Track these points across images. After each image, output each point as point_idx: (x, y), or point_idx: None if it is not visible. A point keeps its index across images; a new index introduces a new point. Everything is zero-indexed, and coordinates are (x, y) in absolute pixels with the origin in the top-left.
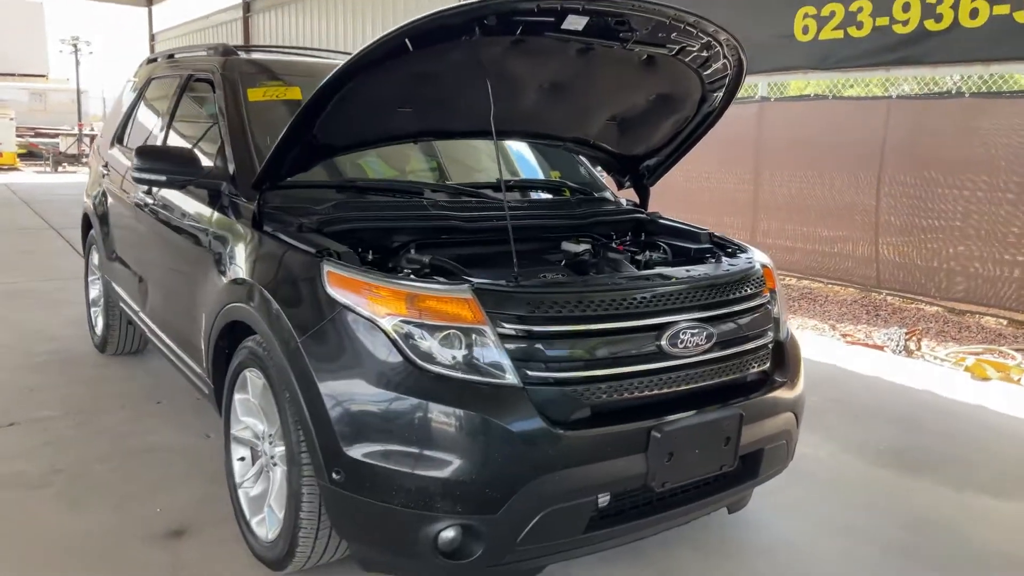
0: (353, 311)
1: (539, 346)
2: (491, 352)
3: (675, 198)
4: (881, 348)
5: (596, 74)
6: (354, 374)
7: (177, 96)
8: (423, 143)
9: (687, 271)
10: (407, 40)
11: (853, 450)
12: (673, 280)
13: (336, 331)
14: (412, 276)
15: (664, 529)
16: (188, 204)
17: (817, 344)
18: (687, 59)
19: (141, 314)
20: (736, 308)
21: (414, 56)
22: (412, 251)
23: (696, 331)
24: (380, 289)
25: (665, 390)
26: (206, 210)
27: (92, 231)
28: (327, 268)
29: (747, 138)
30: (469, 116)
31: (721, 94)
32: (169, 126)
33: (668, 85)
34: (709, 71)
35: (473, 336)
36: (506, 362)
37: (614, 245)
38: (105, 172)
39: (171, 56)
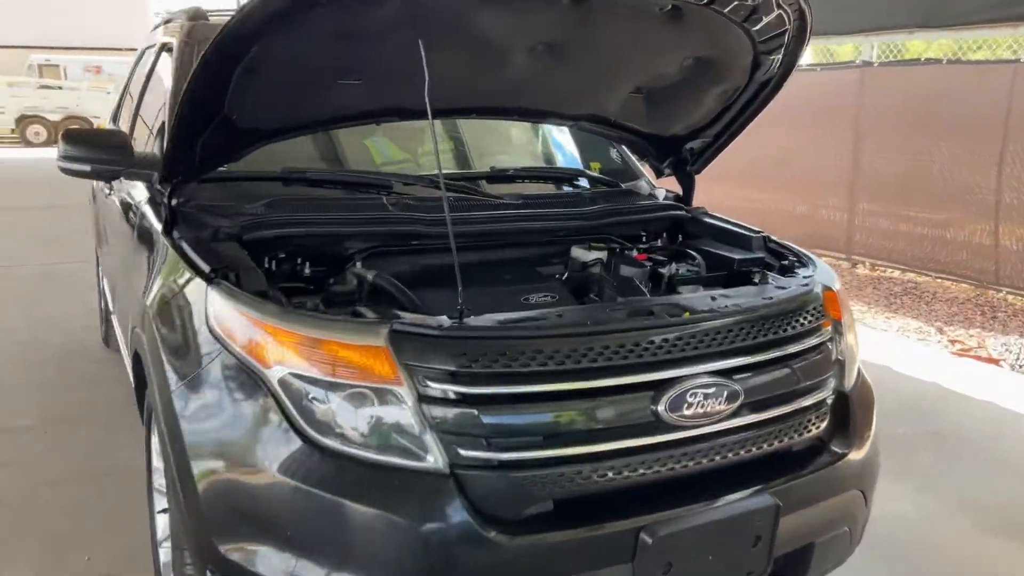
0: (235, 355)
1: (477, 414)
2: (407, 422)
3: (761, 175)
4: (996, 362)
5: (605, 32)
6: (229, 443)
7: (149, 70)
8: (430, 123)
9: (712, 298)
10: None
11: (951, 506)
12: (686, 315)
13: (213, 382)
14: (320, 310)
15: None
16: (132, 196)
17: (918, 354)
18: (726, 9)
19: (112, 315)
20: (778, 353)
21: (336, 8)
22: (358, 264)
23: (713, 390)
24: (268, 328)
25: (663, 472)
26: (140, 206)
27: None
28: (213, 294)
29: (845, 109)
30: (443, 89)
31: (780, 57)
32: (138, 106)
33: (705, 45)
34: (760, 26)
35: (387, 398)
36: (428, 437)
37: (633, 254)
38: None
39: (168, 22)
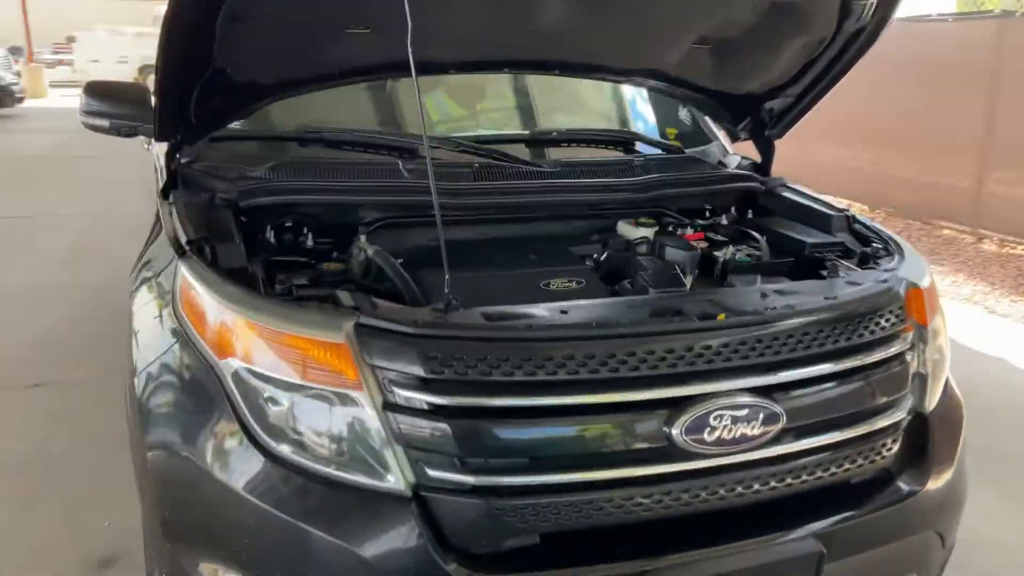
0: (193, 342)
1: (449, 429)
2: (367, 434)
3: (871, 132)
4: None
5: None
6: (182, 444)
7: None
8: (414, 78)
9: (762, 295)
10: None
11: None
12: (721, 317)
13: (171, 373)
14: (294, 292)
15: None
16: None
17: None
18: None
19: None
20: (837, 367)
21: None
22: (361, 238)
23: (745, 412)
24: (226, 312)
25: (676, 507)
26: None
27: None
28: (182, 271)
29: (980, 64)
30: (470, 40)
31: (874, 2)
32: None
33: None
34: None
35: (346, 404)
36: (390, 453)
37: (687, 233)
38: None
39: None
